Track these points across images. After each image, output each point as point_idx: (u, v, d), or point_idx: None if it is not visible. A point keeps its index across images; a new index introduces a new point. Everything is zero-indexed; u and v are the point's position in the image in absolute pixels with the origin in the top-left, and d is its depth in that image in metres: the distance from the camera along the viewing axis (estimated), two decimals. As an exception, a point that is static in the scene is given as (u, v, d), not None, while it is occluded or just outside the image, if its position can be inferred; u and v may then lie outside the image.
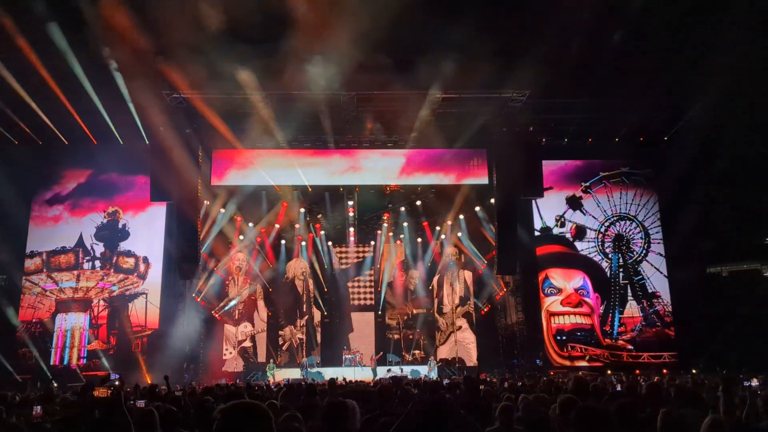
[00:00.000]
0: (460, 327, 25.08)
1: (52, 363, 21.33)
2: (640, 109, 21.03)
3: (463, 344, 24.82)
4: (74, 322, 21.79)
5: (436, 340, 25.09)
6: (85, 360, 21.51)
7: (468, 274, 25.53)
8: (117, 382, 4.09)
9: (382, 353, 23.23)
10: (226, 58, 16.22)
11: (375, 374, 20.57)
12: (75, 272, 22.16)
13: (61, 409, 7.16)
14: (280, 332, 24.86)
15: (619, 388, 9.73)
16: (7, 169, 20.72)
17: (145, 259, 22.58)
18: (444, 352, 24.64)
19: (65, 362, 21.46)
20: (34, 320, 21.73)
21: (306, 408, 5.82)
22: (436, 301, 25.56)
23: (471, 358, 24.31)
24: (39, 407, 6.73)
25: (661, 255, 23.34)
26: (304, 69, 16.67)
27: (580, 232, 23.52)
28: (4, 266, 21.74)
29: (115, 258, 22.43)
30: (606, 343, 22.41)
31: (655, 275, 23.16)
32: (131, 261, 22.51)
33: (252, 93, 18.54)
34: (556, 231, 23.57)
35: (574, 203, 23.67)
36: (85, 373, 20.45)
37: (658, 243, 23.45)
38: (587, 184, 23.73)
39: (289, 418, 3.74)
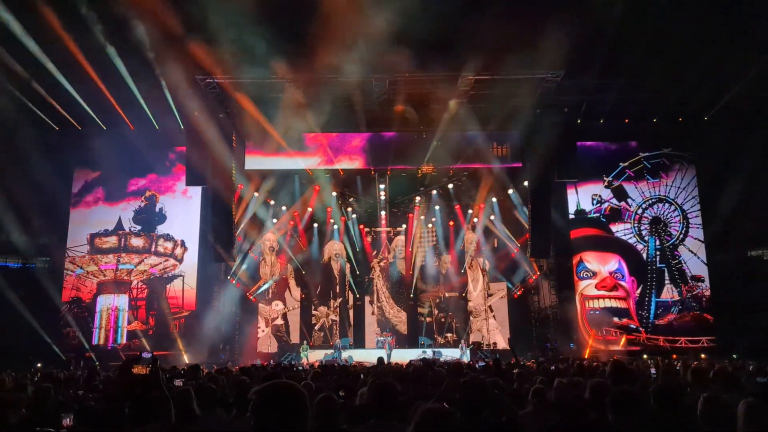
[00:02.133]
0: (489, 313, 25.07)
1: (94, 343, 22.02)
2: (680, 87, 20.43)
3: (492, 332, 24.79)
4: (114, 303, 22.42)
5: (469, 325, 25.09)
6: (125, 340, 22.14)
7: (487, 263, 25.42)
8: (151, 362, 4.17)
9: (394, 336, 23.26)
10: (258, 42, 16.25)
11: (389, 357, 20.67)
12: (114, 255, 22.75)
13: (103, 387, 7.39)
14: (314, 312, 25.18)
15: (653, 371, 9.61)
16: (47, 154, 21.27)
17: (182, 242, 23.02)
18: (475, 337, 24.61)
19: (106, 342, 22.11)
20: (76, 301, 22.42)
21: (339, 389, 5.90)
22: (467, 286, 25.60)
23: (501, 344, 24.27)
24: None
25: (699, 238, 22.80)
26: (336, 53, 16.61)
27: (614, 213, 23.11)
28: (47, 249, 22.46)
29: (152, 241, 22.92)
30: (642, 327, 22.07)
31: (694, 258, 22.65)
32: (168, 244, 22.99)
33: (284, 78, 18.60)
34: (592, 211, 23.17)
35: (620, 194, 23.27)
36: (126, 353, 21.08)
37: (697, 225, 22.89)
38: (610, 177, 23.25)
39: (325, 399, 3.79)
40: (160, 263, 22.80)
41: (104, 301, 22.43)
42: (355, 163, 22.34)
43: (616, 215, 23.13)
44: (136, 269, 22.65)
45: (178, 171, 22.81)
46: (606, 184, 23.20)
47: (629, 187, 23.24)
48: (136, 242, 22.84)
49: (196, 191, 22.86)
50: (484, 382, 4.58)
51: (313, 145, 21.99)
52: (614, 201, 23.26)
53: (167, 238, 23.01)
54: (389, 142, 21.82)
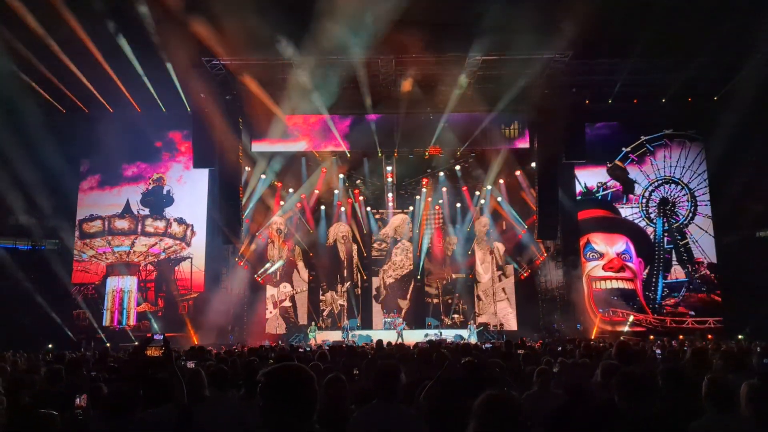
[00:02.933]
0: (501, 297, 25.09)
1: (104, 324, 22.25)
2: (689, 68, 20.18)
3: (502, 314, 24.81)
4: (124, 285, 22.60)
5: (476, 308, 25.16)
6: (135, 321, 22.36)
7: (500, 246, 25.35)
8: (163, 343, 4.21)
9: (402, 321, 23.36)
10: (263, 22, 16.12)
11: (401, 337, 20.78)
12: (122, 237, 22.88)
13: (117, 368, 7.47)
14: (321, 297, 25.29)
15: (659, 352, 9.63)
16: (55, 137, 21.28)
17: (187, 223, 23.07)
18: (484, 319, 24.70)
19: (116, 323, 22.34)
20: (86, 283, 22.62)
21: (347, 369, 5.96)
22: (475, 268, 25.63)
23: (510, 326, 24.33)
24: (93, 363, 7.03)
25: (708, 218, 22.69)
26: (342, 33, 16.47)
27: (627, 186, 23.01)
28: (56, 231, 22.61)
29: (160, 223, 23.01)
30: (649, 308, 22.09)
31: (702, 239, 22.56)
32: (159, 223, 23.02)
33: (290, 58, 18.50)
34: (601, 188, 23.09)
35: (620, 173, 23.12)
36: (136, 334, 21.33)
37: (705, 202, 22.78)
38: (612, 164, 23.08)
39: (333, 380, 3.84)
40: (157, 243, 22.84)
41: (113, 283, 22.63)
42: (342, 147, 22.22)
43: (630, 187, 22.97)
44: (133, 251, 22.74)
45: (186, 153, 22.91)
46: (609, 169, 23.10)
47: (633, 170, 23.10)
48: (121, 224, 22.91)
49: (189, 177, 22.96)
50: (485, 362, 4.61)
51: (296, 130, 21.94)
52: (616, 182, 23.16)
53: (157, 217, 23.02)
54: (394, 123, 21.69)
